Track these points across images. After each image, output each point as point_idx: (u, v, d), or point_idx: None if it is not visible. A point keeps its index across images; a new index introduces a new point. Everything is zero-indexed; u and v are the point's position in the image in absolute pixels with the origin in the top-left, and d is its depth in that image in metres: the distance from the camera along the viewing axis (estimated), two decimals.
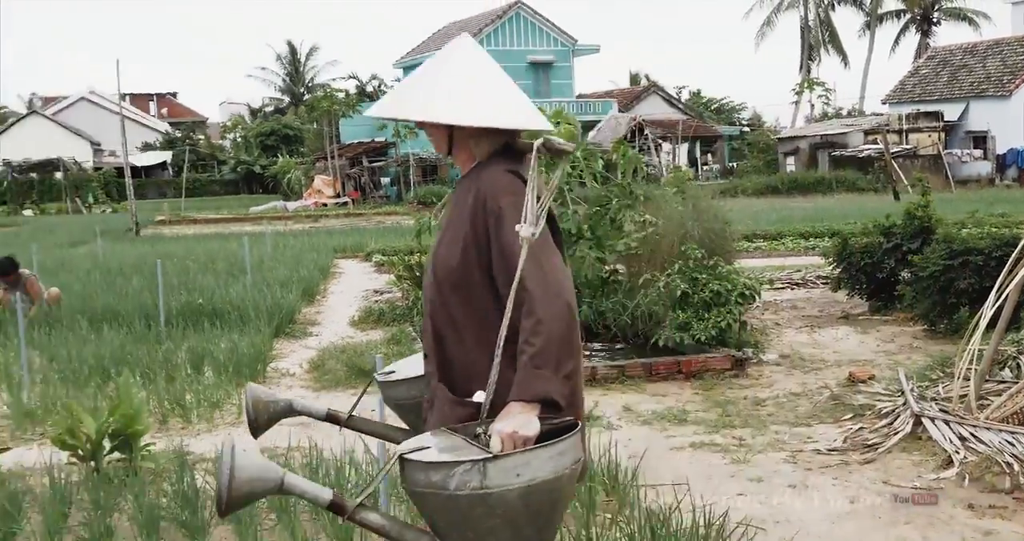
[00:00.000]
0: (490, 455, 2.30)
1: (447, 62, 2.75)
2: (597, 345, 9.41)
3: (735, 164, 51.18)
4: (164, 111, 75.68)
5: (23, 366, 7.73)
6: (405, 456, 2.37)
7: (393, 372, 3.12)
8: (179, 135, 62.77)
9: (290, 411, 2.99)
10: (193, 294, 11.66)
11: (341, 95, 45.42)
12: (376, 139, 44.74)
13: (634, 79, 66.54)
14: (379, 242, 19.99)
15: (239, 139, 60.40)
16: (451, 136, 2.77)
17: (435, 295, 2.75)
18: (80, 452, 5.36)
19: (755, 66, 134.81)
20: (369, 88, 65.76)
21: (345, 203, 40.17)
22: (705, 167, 49.20)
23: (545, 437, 2.42)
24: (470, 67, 2.73)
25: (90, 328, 9.69)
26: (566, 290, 2.56)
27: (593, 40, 53.78)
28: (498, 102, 2.71)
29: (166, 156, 57.99)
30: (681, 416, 6.58)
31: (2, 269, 9.93)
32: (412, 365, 3.11)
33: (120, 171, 43.75)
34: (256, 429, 3.00)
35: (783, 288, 12.91)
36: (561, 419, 2.52)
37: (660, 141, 43.73)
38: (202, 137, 64.63)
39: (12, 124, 55.88)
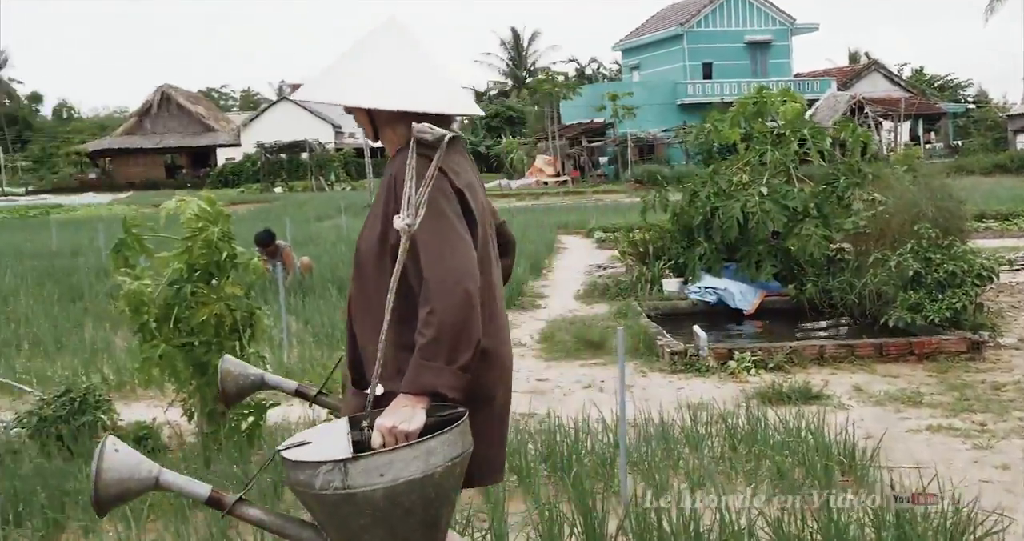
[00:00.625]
0: (350, 456, 2.29)
1: (369, 46, 2.67)
2: (822, 323, 9.32)
3: (960, 142, 48.45)
4: None
5: (283, 329, 8.43)
6: (281, 453, 2.38)
7: None
8: None
9: (261, 384, 3.02)
10: None
11: (561, 78, 45.92)
12: (595, 120, 44.93)
13: (853, 57, 64.12)
14: (599, 219, 20.24)
15: (465, 121, 62.11)
16: (373, 121, 2.70)
17: (353, 279, 2.72)
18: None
19: (983, 42, 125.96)
20: (588, 71, 66.21)
21: (565, 182, 40.66)
22: (928, 145, 46.75)
23: (439, 428, 2.37)
24: (391, 51, 2.64)
25: (339, 296, 10.43)
26: (466, 278, 2.42)
27: (811, 18, 51.87)
28: (413, 86, 2.59)
29: None
30: (915, 398, 6.44)
31: (262, 241, 10.76)
32: None
33: (358, 151, 46.17)
34: (227, 399, 3.05)
35: (1020, 269, 12.25)
36: (450, 412, 2.45)
37: (881, 119, 41.75)
38: None
39: (264, 110, 59.90)
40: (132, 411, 6.57)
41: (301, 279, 11.25)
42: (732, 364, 7.39)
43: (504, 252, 2.98)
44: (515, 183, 41.23)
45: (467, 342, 2.41)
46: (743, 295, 9.96)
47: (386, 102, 2.58)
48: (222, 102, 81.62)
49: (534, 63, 70.35)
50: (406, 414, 2.38)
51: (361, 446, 2.43)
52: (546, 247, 15.95)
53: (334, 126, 58.11)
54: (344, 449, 2.42)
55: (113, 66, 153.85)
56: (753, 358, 7.45)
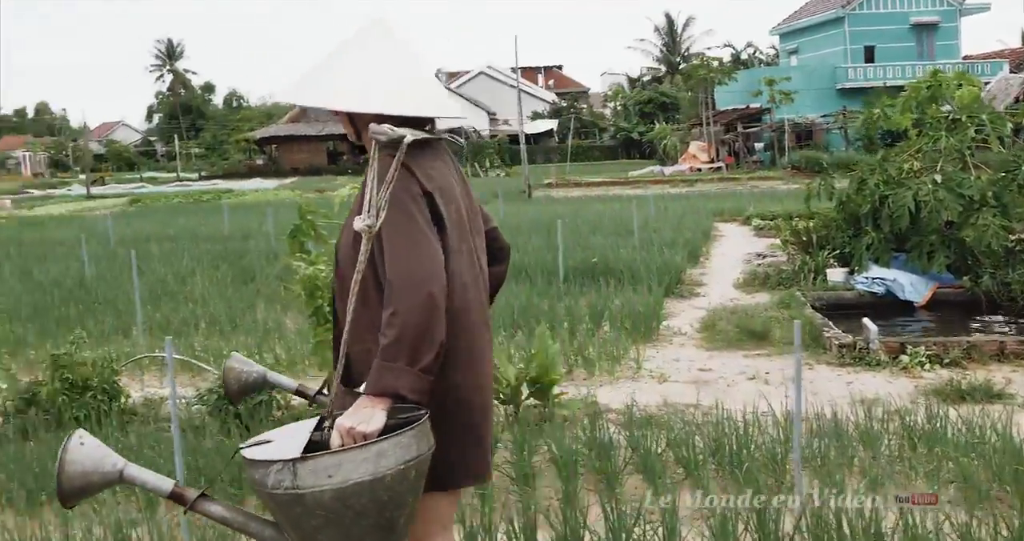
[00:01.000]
0: (298, 456, 2.28)
1: (351, 48, 2.66)
2: (1001, 317, 8.87)
3: None
4: (551, 82, 78.95)
5: None
6: (241, 451, 2.42)
7: None
8: (564, 105, 65.35)
9: (263, 382, 3.01)
10: (586, 253, 12.24)
11: (716, 63, 45.13)
12: (751, 105, 43.95)
13: None
14: (756, 206, 19.81)
15: (618, 107, 61.87)
16: (354, 122, 2.70)
17: (335, 280, 2.71)
18: (502, 395, 5.87)
19: None
20: (744, 56, 64.80)
21: (719, 168, 39.97)
22: None
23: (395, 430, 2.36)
24: (369, 53, 2.63)
25: None
26: (431, 281, 2.42)
27: None
28: (389, 89, 2.58)
29: (552, 124, 60.62)
30: None
31: None
32: None
33: (511, 138, 46.43)
34: (230, 396, 3.06)
35: None
36: (412, 414, 2.42)
37: None
38: (584, 106, 67.00)
39: None
40: None
41: None
42: (904, 359, 7.11)
43: (498, 258, 2.96)
44: (668, 169, 40.79)
45: (429, 344, 2.39)
46: (913, 287, 9.57)
47: (354, 104, 2.57)
48: None
49: (688, 49, 69.38)
50: (365, 415, 2.37)
51: (323, 446, 2.42)
52: (703, 234, 15.70)
53: (489, 113, 58.77)
54: (300, 449, 2.41)
55: (280, 57, 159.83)
56: (928, 353, 7.14)
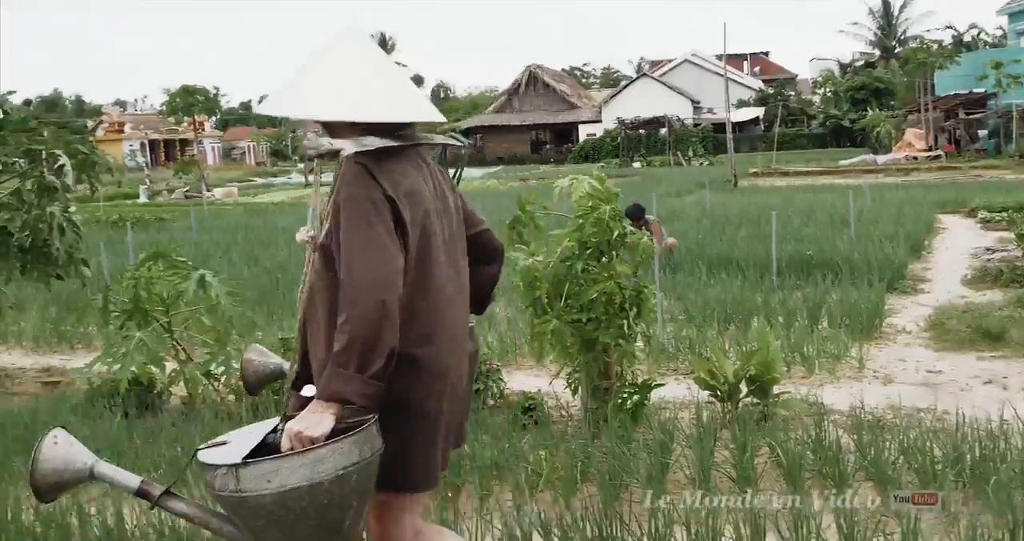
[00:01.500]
0: (240, 462, 2.37)
1: (323, 56, 2.69)
2: None
3: None
4: (757, 69, 77.02)
5: (656, 305, 8.41)
6: (197, 452, 2.53)
7: None
8: (771, 92, 63.63)
9: (280, 374, 3.01)
10: (799, 245, 11.83)
11: (936, 46, 42.67)
12: (975, 90, 41.33)
13: None
14: (982, 198, 18.60)
15: (828, 94, 59.64)
16: (331, 131, 2.69)
17: (310, 283, 2.72)
18: (718, 393, 5.70)
19: None
20: (967, 37, 61.18)
21: (938, 156, 37.85)
22: None
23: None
24: (341, 61, 2.66)
25: (708, 273, 10.31)
26: (384, 289, 2.43)
27: None
28: (355, 96, 2.60)
29: (758, 112, 59.19)
30: None
31: (633, 215, 10.82)
32: None
33: (716, 127, 45.57)
34: (248, 387, 3.08)
35: None
36: (363, 418, 2.46)
37: None
38: (792, 93, 64.95)
39: (625, 86, 61.32)
40: (514, 380, 6.82)
41: (667, 258, 11.21)
42: None
43: (489, 260, 3.04)
44: (881, 158, 38.92)
45: (380, 352, 2.43)
46: None
47: (319, 113, 2.64)
48: (584, 80, 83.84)
49: (905, 31, 66.06)
50: (314, 420, 2.43)
51: (275, 448, 2.50)
52: (924, 226, 14.89)
53: (693, 101, 57.98)
54: (247, 452, 2.50)
55: (486, 49, 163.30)
56: None
